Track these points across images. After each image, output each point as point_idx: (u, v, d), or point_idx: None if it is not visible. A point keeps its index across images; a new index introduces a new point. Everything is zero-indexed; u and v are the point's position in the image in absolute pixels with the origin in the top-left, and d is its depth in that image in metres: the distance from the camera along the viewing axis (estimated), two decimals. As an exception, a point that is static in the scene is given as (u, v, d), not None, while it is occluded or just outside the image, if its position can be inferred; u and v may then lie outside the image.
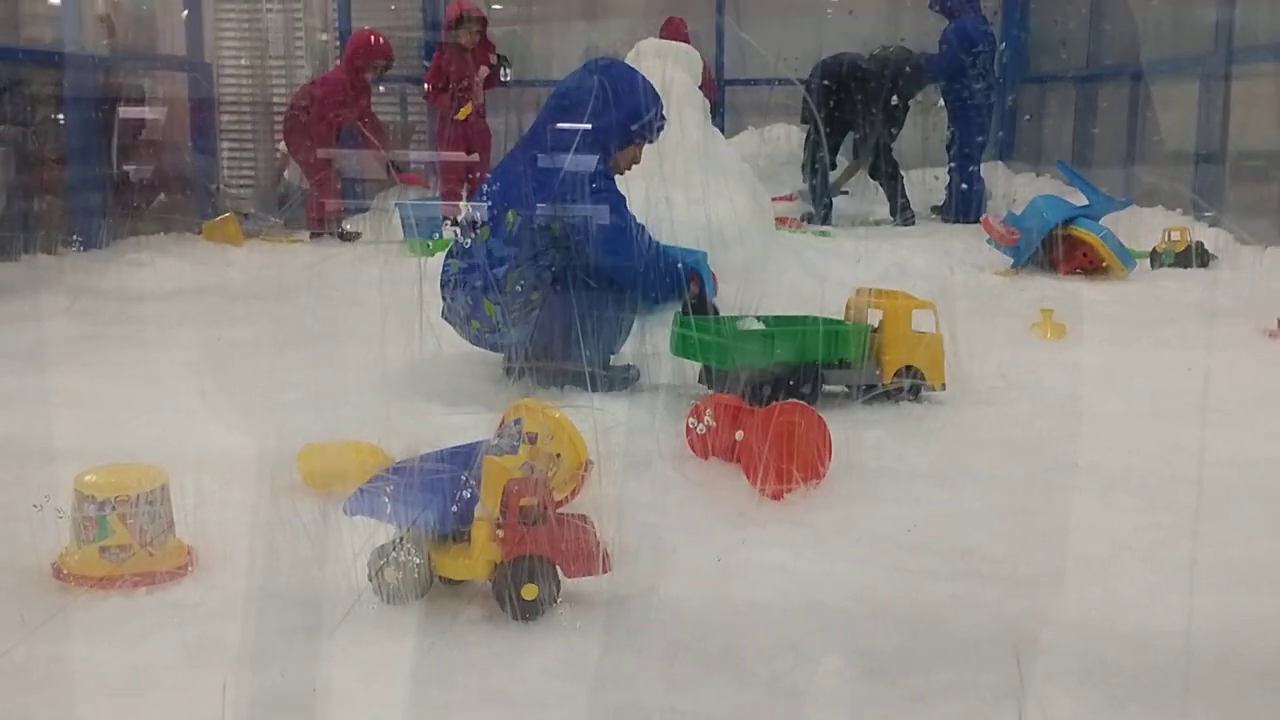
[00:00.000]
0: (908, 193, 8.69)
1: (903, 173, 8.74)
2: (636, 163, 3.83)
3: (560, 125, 3.67)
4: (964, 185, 8.66)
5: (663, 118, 3.79)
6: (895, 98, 8.55)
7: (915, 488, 2.77)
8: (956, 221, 8.45)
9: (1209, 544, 2.36)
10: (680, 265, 3.66)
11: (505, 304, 3.51)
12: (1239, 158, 7.22)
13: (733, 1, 10.85)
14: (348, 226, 8.08)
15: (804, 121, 8.83)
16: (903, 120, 8.72)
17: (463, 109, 8.24)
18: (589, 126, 3.63)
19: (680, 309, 3.59)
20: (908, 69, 8.53)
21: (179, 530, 2.28)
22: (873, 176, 8.80)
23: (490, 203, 3.63)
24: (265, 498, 2.57)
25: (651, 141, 3.83)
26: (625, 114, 3.67)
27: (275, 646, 1.92)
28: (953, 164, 8.76)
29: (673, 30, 9.42)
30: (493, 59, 8.56)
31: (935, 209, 8.97)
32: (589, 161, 3.58)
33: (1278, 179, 6.99)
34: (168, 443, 2.90)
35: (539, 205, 3.51)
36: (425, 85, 8.41)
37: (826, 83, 8.51)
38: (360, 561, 2.11)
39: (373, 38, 8.17)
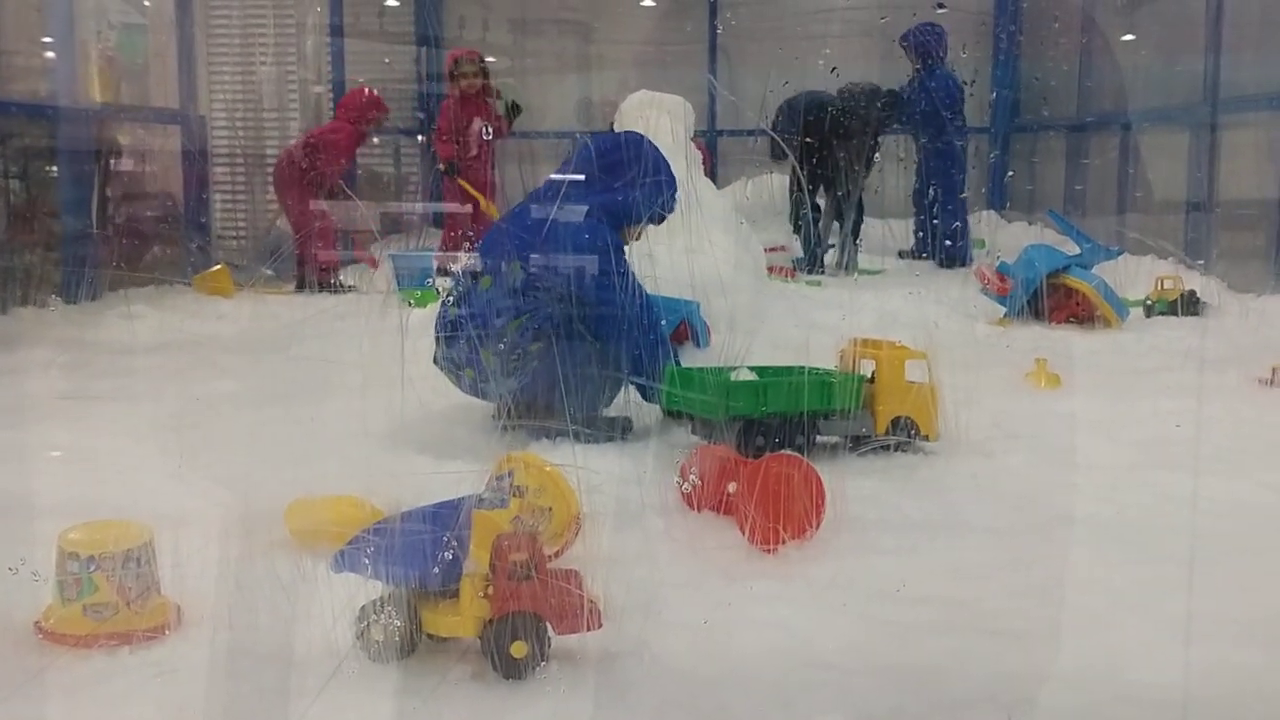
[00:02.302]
0: (858, 243, 8.64)
1: (865, 219, 8.73)
2: (638, 239, 3.88)
3: (582, 187, 3.68)
4: (952, 237, 8.73)
5: (675, 200, 3.83)
6: (866, 134, 8.51)
7: (910, 540, 2.75)
8: (950, 267, 8.50)
9: (1206, 596, 2.34)
10: (665, 348, 3.67)
11: (502, 354, 3.49)
12: (1228, 206, 7.26)
13: (725, 55, 10.93)
14: (339, 279, 8.07)
15: (773, 157, 8.81)
16: (873, 158, 8.73)
17: (452, 169, 8.26)
18: (610, 195, 3.66)
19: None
20: (879, 105, 8.56)
21: (164, 587, 2.24)
22: (835, 215, 8.74)
23: (495, 251, 3.63)
24: (251, 554, 2.53)
25: (658, 223, 3.88)
26: (649, 194, 3.71)
27: (259, 706, 1.89)
28: (937, 212, 8.81)
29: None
30: (493, 102, 8.55)
31: (902, 253, 9.02)
32: (603, 232, 3.60)
33: (1266, 227, 7.02)
34: (153, 499, 2.86)
35: (544, 261, 3.51)
36: (437, 137, 8.42)
37: (803, 118, 8.46)
38: (345, 620, 2.08)
39: (377, 97, 8.28)
